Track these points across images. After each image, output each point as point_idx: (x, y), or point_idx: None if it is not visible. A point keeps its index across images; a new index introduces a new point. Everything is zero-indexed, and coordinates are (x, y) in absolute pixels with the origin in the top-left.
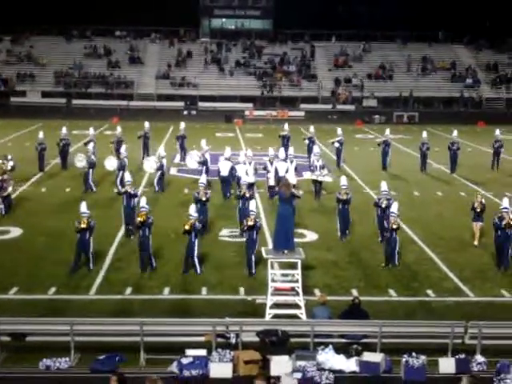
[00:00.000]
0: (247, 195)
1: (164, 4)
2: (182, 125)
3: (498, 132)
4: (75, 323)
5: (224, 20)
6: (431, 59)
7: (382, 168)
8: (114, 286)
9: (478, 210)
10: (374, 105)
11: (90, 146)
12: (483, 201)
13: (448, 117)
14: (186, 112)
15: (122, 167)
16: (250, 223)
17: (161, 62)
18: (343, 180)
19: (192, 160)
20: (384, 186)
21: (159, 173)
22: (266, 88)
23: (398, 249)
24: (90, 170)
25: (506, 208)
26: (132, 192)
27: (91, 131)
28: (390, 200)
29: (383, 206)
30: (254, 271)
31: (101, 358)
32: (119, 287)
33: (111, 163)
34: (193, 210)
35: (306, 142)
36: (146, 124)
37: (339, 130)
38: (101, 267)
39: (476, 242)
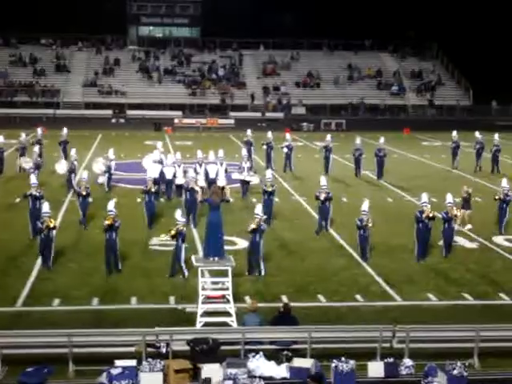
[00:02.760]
0: (153, 190)
1: (91, 11)
2: (65, 130)
3: (477, 134)
4: (2, 336)
5: (151, 28)
6: (357, 67)
7: (325, 173)
8: (41, 298)
9: (464, 197)
10: (303, 112)
11: (36, 148)
12: (470, 190)
13: (374, 124)
14: (114, 120)
15: (72, 170)
16: (254, 226)
17: (88, 70)
18: (268, 173)
19: (149, 160)
20: (323, 180)
21: (107, 175)
22: (195, 96)
23: (370, 245)
24: (36, 172)
25: (425, 202)
26: (37, 194)
27: (23, 136)
28: (328, 193)
29: (322, 198)
30: (262, 273)
31: (29, 370)
32: (46, 298)
33: (62, 166)
34: (179, 214)
35: (285, 149)
36: (39, 130)
37: (288, 135)
38: (27, 278)
39: (458, 224)
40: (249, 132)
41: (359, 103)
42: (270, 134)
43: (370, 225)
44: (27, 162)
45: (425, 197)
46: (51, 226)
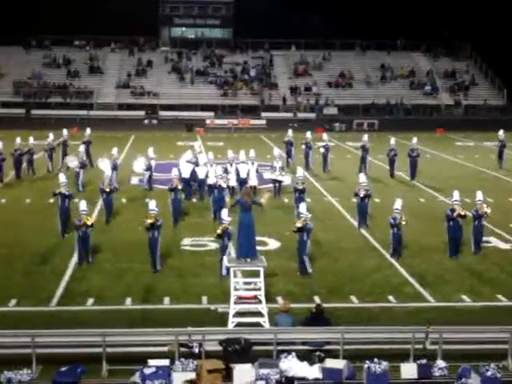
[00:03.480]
0: (179, 187)
1: (123, 13)
2: (88, 131)
3: None
4: (36, 335)
5: (184, 29)
6: (390, 67)
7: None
8: (75, 297)
9: None
10: (335, 113)
11: (82, 147)
12: None
13: (407, 124)
14: (146, 121)
15: (115, 168)
16: (299, 225)
17: (121, 72)
18: (299, 171)
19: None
20: (362, 177)
21: (148, 173)
22: (226, 96)
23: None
24: (81, 171)
25: (456, 200)
26: (67, 193)
27: (51, 137)
28: (368, 191)
29: (361, 195)
30: (309, 271)
31: (63, 369)
32: (80, 298)
33: (105, 165)
34: (225, 214)
35: (322, 150)
36: (65, 131)
37: (325, 136)
38: (62, 278)
39: None
40: (290, 132)
41: (395, 103)
42: (308, 134)
43: (404, 223)
44: (73, 161)
45: (456, 195)
46: (88, 223)
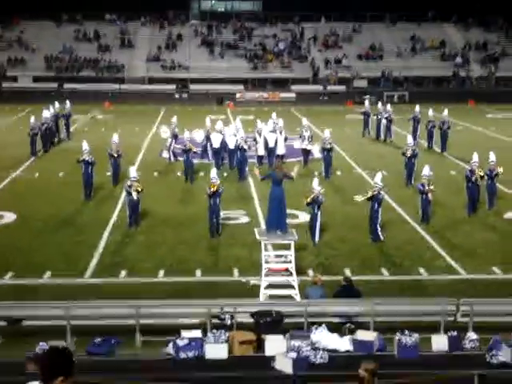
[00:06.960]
0: (194, 150)
1: None
2: (68, 104)
3: None
4: (71, 307)
5: (213, 2)
6: (421, 39)
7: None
8: (109, 269)
9: None
10: (364, 85)
11: (174, 118)
12: None
13: (438, 96)
14: (177, 95)
15: (208, 138)
16: (371, 194)
17: (151, 45)
18: (326, 133)
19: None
20: (410, 139)
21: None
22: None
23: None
24: (173, 141)
25: (475, 162)
26: (90, 160)
27: (45, 112)
28: (414, 151)
29: (408, 154)
30: (381, 238)
31: (97, 340)
32: (114, 270)
33: (199, 135)
34: (316, 183)
35: (384, 121)
36: (68, 103)
37: (388, 106)
38: (96, 250)
39: None
40: (367, 103)
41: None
42: (380, 105)
43: (432, 187)
44: (165, 132)
45: (475, 157)
46: (139, 189)
